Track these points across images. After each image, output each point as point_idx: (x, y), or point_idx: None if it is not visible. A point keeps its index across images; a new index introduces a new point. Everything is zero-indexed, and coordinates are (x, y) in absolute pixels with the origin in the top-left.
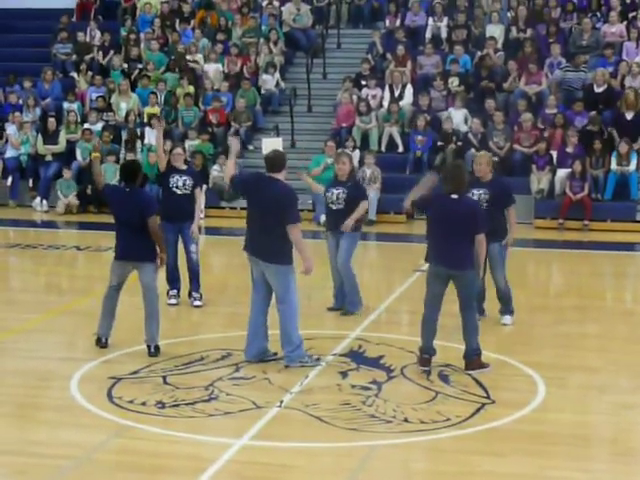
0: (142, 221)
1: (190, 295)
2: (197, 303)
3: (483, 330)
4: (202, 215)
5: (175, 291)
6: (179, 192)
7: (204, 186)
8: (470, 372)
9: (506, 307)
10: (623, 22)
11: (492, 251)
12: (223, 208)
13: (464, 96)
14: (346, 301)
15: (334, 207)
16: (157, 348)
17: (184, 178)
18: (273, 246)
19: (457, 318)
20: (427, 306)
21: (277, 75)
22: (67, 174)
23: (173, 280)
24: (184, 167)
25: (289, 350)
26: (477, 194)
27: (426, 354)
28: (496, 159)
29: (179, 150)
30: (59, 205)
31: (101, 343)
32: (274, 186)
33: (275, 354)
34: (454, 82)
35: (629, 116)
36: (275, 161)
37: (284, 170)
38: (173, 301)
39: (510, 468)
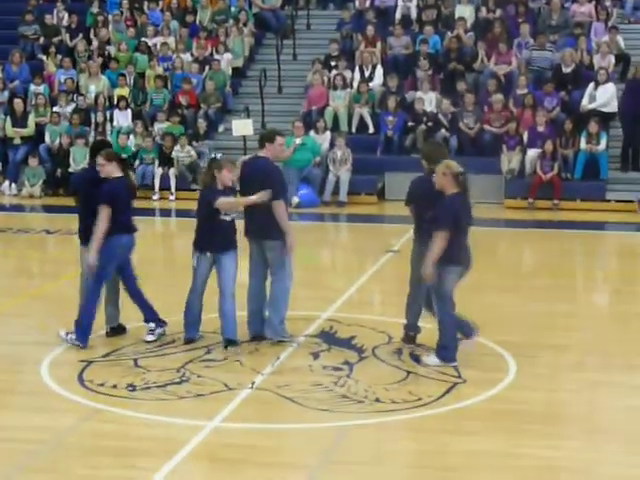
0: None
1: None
2: (148, 338)
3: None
4: (172, 197)
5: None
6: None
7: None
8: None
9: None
10: (592, 1)
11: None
12: (193, 190)
13: (434, 77)
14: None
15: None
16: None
17: None
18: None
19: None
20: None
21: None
22: (33, 162)
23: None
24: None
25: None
26: None
27: (411, 332)
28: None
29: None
30: (24, 192)
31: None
32: (259, 163)
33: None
34: (425, 64)
35: None
36: (262, 136)
37: (270, 144)
38: (149, 337)
39: (482, 446)
